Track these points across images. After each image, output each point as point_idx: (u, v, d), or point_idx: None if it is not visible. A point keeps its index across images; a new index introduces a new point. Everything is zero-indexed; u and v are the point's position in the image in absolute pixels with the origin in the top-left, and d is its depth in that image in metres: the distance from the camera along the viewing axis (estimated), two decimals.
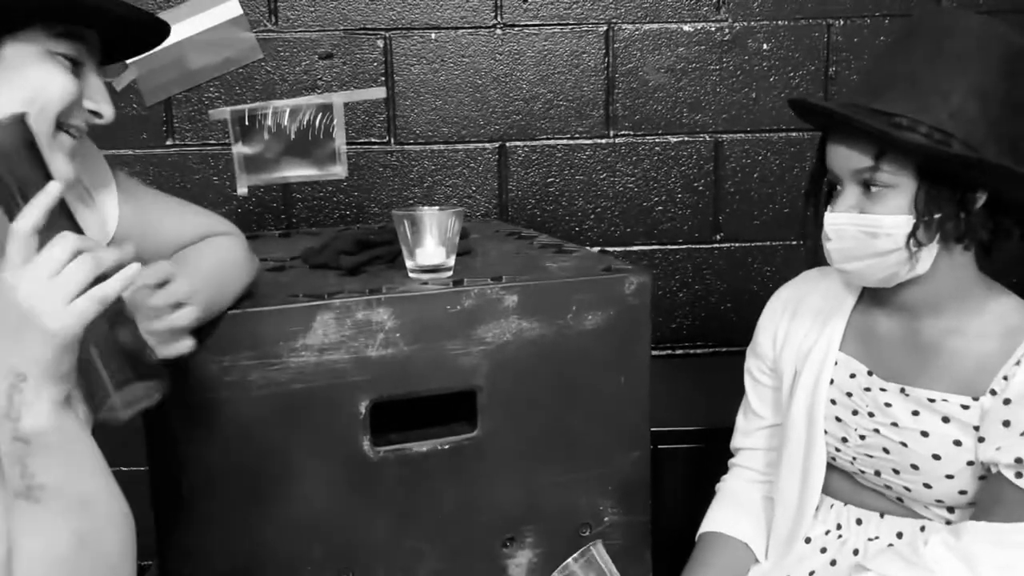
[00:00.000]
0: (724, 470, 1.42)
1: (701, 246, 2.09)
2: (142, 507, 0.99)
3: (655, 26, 2.01)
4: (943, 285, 1.14)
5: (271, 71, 1.96)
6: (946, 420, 1.13)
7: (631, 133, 2.04)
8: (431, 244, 1.26)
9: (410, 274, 1.28)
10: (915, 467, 1.15)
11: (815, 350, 1.25)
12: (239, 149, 1.91)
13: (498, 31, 1.99)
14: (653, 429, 1.36)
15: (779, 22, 2.02)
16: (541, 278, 1.28)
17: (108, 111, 0.95)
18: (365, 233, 1.49)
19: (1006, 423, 1.07)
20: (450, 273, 1.28)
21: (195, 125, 1.96)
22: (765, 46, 2.02)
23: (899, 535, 1.19)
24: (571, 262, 1.38)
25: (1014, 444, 1.06)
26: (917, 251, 1.09)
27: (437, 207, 1.29)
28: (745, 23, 2.01)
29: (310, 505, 1.20)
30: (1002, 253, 1.16)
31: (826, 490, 1.25)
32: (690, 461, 1.71)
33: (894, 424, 1.16)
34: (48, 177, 0.80)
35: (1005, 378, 1.09)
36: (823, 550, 1.25)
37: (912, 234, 1.08)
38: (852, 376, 1.21)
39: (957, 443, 1.12)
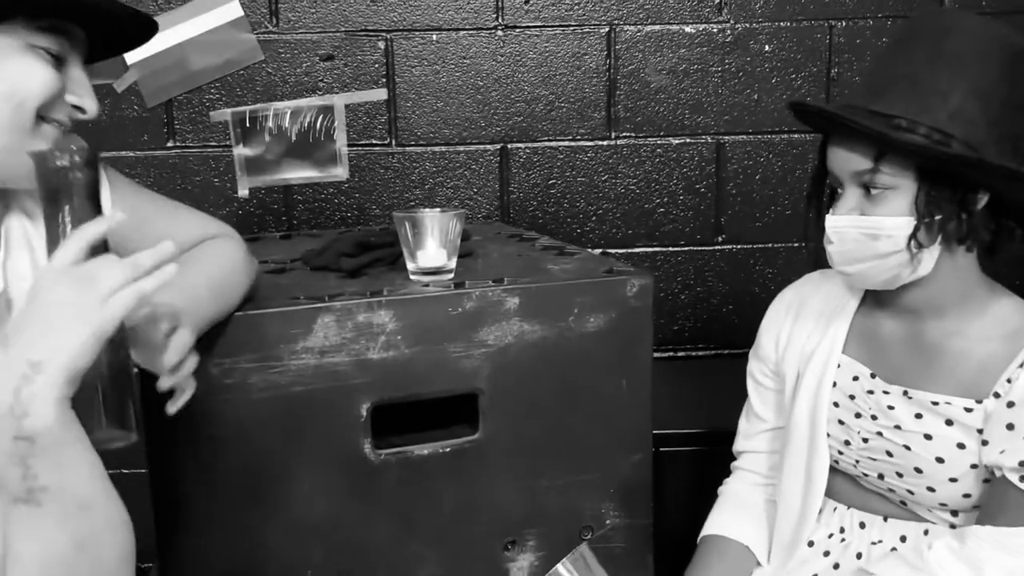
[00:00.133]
0: (726, 473, 1.41)
1: (703, 248, 2.09)
2: (142, 510, 0.98)
3: (657, 27, 2.00)
4: (946, 287, 1.13)
5: (272, 73, 1.95)
6: (949, 423, 1.12)
7: (633, 135, 2.03)
8: (432, 246, 1.25)
9: (411, 276, 1.28)
10: (918, 470, 1.14)
11: (818, 353, 1.24)
12: (240, 151, 1.91)
13: (499, 33, 1.99)
14: (655, 431, 1.36)
15: (781, 23, 2.01)
16: (543, 280, 1.27)
17: (91, 105, 0.96)
18: (366, 235, 1.48)
19: (1010, 426, 1.07)
20: (451, 275, 1.27)
21: (196, 127, 1.96)
22: (767, 47, 2.02)
23: (903, 539, 1.19)
24: (573, 264, 1.38)
25: (1018, 447, 1.06)
26: (918, 253, 1.08)
27: (438, 209, 1.29)
28: (747, 24, 2.01)
29: (311, 508, 1.20)
30: (1006, 255, 1.15)
31: (829, 493, 1.25)
32: (692, 464, 1.70)
33: (897, 427, 1.16)
34: (99, 210, 0.84)
35: (1008, 381, 1.08)
36: (826, 553, 1.24)
37: (913, 235, 1.07)
38: (855, 379, 1.21)
39: (961, 446, 1.11)
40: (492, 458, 1.26)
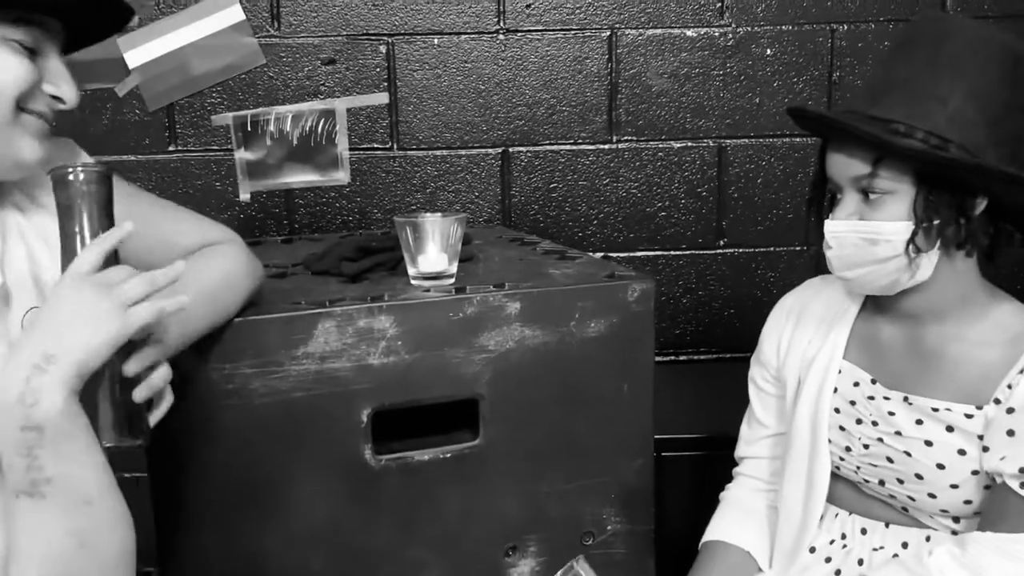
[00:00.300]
0: (728, 478, 1.41)
1: (705, 252, 2.09)
2: (143, 514, 0.98)
3: (658, 31, 2.00)
4: (945, 292, 1.13)
5: (273, 76, 1.95)
6: (950, 429, 1.12)
7: (634, 138, 2.03)
8: (433, 251, 1.25)
9: (412, 281, 1.28)
10: (919, 476, 1.14)
11: (819, 358, 1.24)
12: (241, 155, 1.91)
13: (501, 36, 1.99)
14: (656, 436, 1.36)
15: (783, 27, 2.01)
16: (544, 285, 1.27)
17: (69, 94, 0.96)
18: (367, 239, 1.48)
19: (1010, 432, 1.07)
20: (452, 280, 1.27)
21: (197, 131, 1.96)
22: (769, 51, 2.02)
23: (904, 545, 1.19)
24: (574, 268, 1.38)
25: (1019, 454, 1.06)
26: (916, 257, 1.08)
27: (439, 213, 1.29)
28: (748, 28, 2.01)
29: (311, 513, 1.20)
30: (1006, 259, 1.15)
31: (831, 499, 1.25)
32: (694, 469, 1.70)
33: (898, 433, 1.15)
34: (112, 221, 0.88)
35: (1009, 387, 1.08)
36: (827, 560, 1.24)
37: (911, 240, 1.07)
38: (856, 384, 1.21)
39: (961, 452, 1.11)
40: (493, 464, 1.26)
